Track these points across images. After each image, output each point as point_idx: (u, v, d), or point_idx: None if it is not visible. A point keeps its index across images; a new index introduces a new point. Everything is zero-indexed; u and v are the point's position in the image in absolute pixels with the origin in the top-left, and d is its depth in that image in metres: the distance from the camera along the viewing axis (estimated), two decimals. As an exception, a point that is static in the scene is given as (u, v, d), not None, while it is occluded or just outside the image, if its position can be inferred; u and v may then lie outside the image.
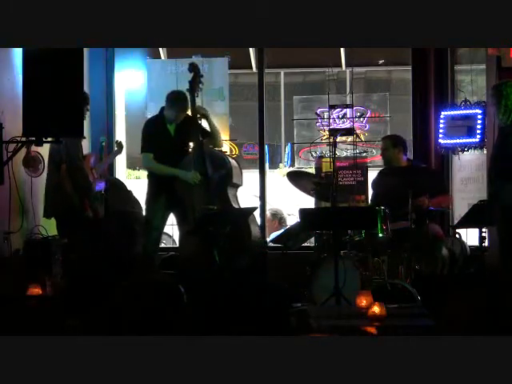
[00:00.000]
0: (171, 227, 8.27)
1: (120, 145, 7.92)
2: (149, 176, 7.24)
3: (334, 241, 6.51)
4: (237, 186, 7.18)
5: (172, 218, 7.32)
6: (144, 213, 7.21)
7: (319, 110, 9.57)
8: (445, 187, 7.47)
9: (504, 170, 5.99)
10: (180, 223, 7.21)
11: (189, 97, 7.01)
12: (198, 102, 7.17)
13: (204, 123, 7.20)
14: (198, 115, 7.03)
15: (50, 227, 6.80)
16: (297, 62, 12.02)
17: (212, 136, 7.14)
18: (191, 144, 7.11)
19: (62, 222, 6.71)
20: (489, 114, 7.42)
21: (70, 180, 6.60)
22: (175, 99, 7.02)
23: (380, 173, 7.33)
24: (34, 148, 6.51)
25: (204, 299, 3.86)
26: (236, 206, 7.07)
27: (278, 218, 9.73)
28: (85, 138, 7.10)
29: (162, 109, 7.11)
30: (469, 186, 8.06)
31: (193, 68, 7.08)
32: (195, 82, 7.02)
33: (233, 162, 7.24)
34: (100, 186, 6.95)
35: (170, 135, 7.05)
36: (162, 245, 9.21)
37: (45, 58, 5.06)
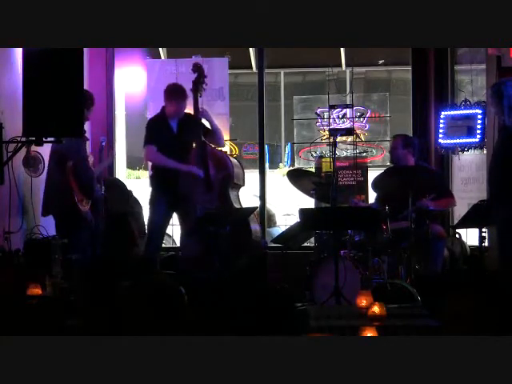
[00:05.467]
0: (171, 227, 8.28)
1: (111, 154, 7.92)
2: (152, 176, 7.25)
3: (333, 241, 6.52)
4: (239, 187, 7.18)
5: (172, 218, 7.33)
6: (148, 212, 7.21)
7: (319, 110, 9.58)
8: (449, 190, 7.46)
9: (506, 170, 5.97)
10: (182, 223, 7.21)
11: (192, 97, 7.04)
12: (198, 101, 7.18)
13: (206, 123, 7.24)
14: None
15: (50, 227, 6.79)
16: (297, 62, 12.03)
17: (214, 135, 7.15)
18: (193, 144, 7.14)
19: (61, 221, 6.70)
20: (489, 114, 7.41)
21: (74, 178, 6.58)
22: (173, 91, 7.04)
23: (384, 172, 7.32)
24: (33, 148, 6.50)
25: (205, 300, 3.86)
26: (237, 207, 7.08)
27: (266, 217, 9.76)
28: (88, 139, 7.10)
29: (163, 108, 7.13)
30: (469, 186, 8.05)
31: (197, 68, 7.12)
32: (199, 83, 7.06)
33: (235, 162, 7.25)
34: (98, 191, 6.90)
35: (173, 133, 7.06)
36: (162, 245, 9.22)
37: (45, 57, 5.05)
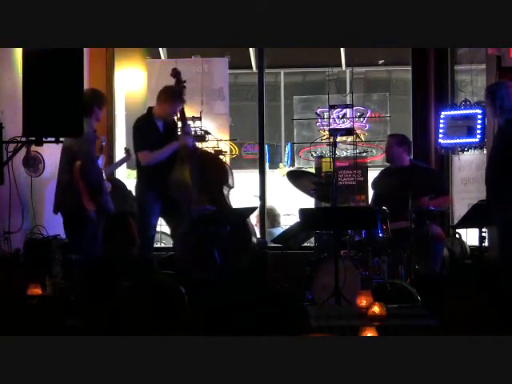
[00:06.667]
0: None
1: (128, 151, 7.92)
2: (139, 175, 7.25)
3: (333, 241, 6.52)
4: (229, 187, 7.22)
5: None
6: (138, 212, 7.19)
7: (319, 110, 9.57)
8: (445, 188, 7.47)
9: (504, 169, 5.98)
10: (174, 223, 7.20)
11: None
12: (198, 101, 7.22)
13: (198, 124, 7.35)
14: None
15: (50, 227, 6.79)
16: (297, 62, 12.01)
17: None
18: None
19: (69, 220, 6.68)
20: (488, 114, 7.42)
21: (81, 177, 6.54)
22: (171, 94, 7.05)
23: (382, 172, 7.33)
24: (34, 148, 6.50)
25: (205, 300, 3.86)
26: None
27: (271, 217, 9.77)
28: (98, 138, 7.08)
29: (150, 108, 7.14)
30: (469, 186, 8.06)
31: (175, 74, 7.15)
32: (178, 87, 7.10)
33: (225, 163, 7.35)
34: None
35: (160, 132, 7.09)
36: (162, 245, 9.22)
37: (45, 57, 5.05)
